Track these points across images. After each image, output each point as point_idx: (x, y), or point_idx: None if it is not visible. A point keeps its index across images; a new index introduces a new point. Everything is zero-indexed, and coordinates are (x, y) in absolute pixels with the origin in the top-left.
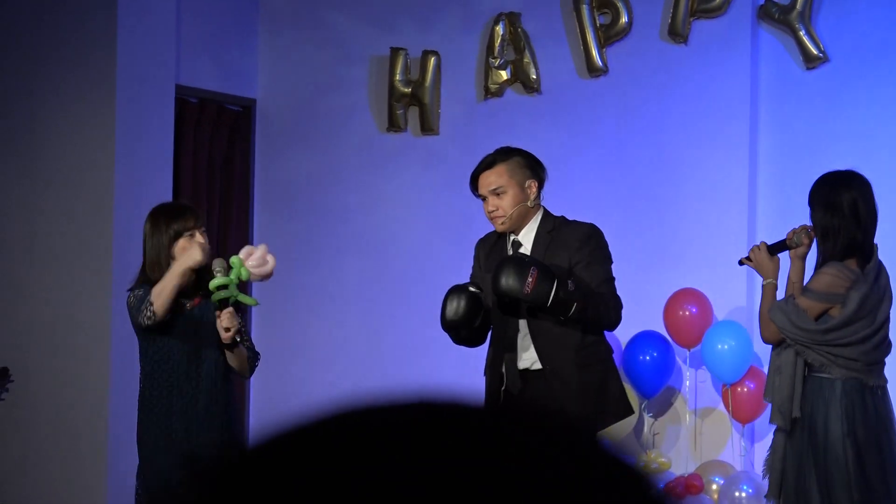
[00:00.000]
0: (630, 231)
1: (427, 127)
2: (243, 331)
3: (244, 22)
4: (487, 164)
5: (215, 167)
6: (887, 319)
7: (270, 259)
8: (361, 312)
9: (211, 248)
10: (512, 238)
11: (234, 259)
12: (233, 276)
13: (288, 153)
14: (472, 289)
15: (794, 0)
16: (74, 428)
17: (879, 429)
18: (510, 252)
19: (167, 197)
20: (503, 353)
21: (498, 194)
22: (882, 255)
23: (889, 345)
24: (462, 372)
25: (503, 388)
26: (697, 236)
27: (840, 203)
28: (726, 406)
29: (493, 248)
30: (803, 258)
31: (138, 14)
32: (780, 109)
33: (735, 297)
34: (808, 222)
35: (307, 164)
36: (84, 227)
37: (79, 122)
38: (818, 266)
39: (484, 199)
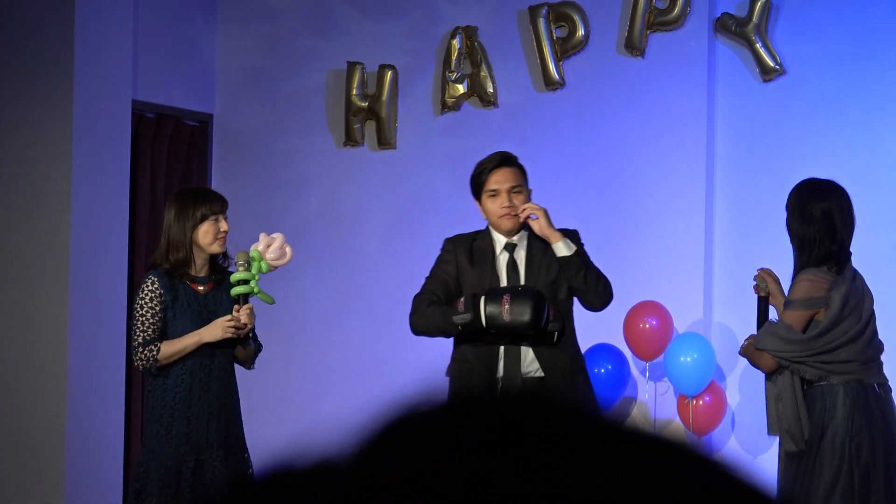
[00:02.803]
0: (587, 244)
1: (384, 141)
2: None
3: (201, 37)
4: (508, 160)
5: (173, 182)
6: (873, 315)
7: (288, 250)
8: (320, 325)
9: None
10: (504, 241)
11: (253, 252)
12: (254, 270)
13: (245, 168)
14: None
15: (751, 13)
16: (31, 439)
17: (885, 429)
18: (500, 254)
19: (124, 213)
20: (497, 355)
21: (516, 192)
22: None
23: (881, 343)
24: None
25: (500, 387)
26: (655, 249)
27: (813, 213)
28: (684, 419)
29: (475, 249)
30: (779, 293)
31: (95, 29)
32: (737, 121)
33: (693, 309)
34: (763, 232)
35: (264, 178)
36: (41, 240)
37: (35, 137)
38: (794, 275)
39: (495, 195)
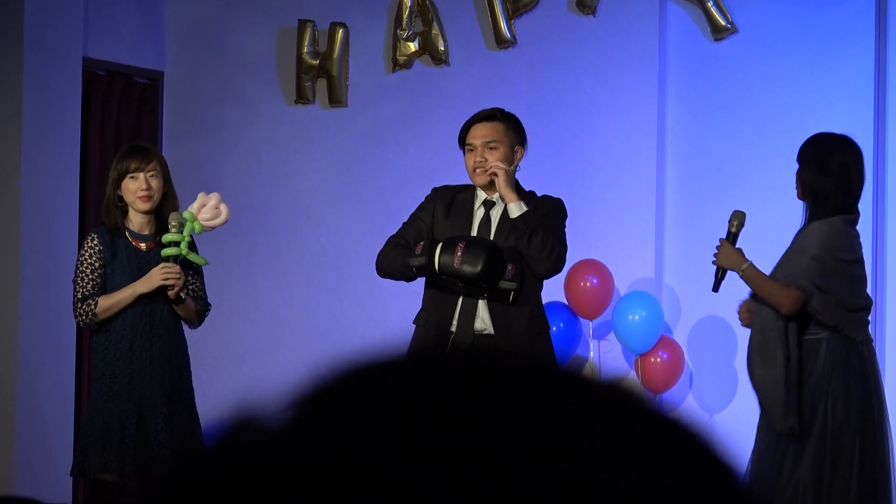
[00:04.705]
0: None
1: (335, 99)
2: (192, 283)
3: None
4: (487, 115)
5: (123, 140)
6: (863, 265)
7: (224, 209)
8: (271, 284)
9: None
10: (483, 197)
11: (186, 213)
12: (185, 232)
13: (196, 126)
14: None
15: None
16: None
17: (864, 390)
18: (477, 209)
19: (74, 171)
20: (454, 308)
21: (490, 148)
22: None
23: (868, 297)
24: (373, 343)
25: (451, 339)
26: (606, 207)
27: (830, 165)
28: (637, 376)
29: (456, 201)
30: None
31: None
32: (689, 80)
33: (642, 267)
34: (714, 190)
35: (215, 136)
36: None
37: None
38: (804, 225)
39: (471, 149)
